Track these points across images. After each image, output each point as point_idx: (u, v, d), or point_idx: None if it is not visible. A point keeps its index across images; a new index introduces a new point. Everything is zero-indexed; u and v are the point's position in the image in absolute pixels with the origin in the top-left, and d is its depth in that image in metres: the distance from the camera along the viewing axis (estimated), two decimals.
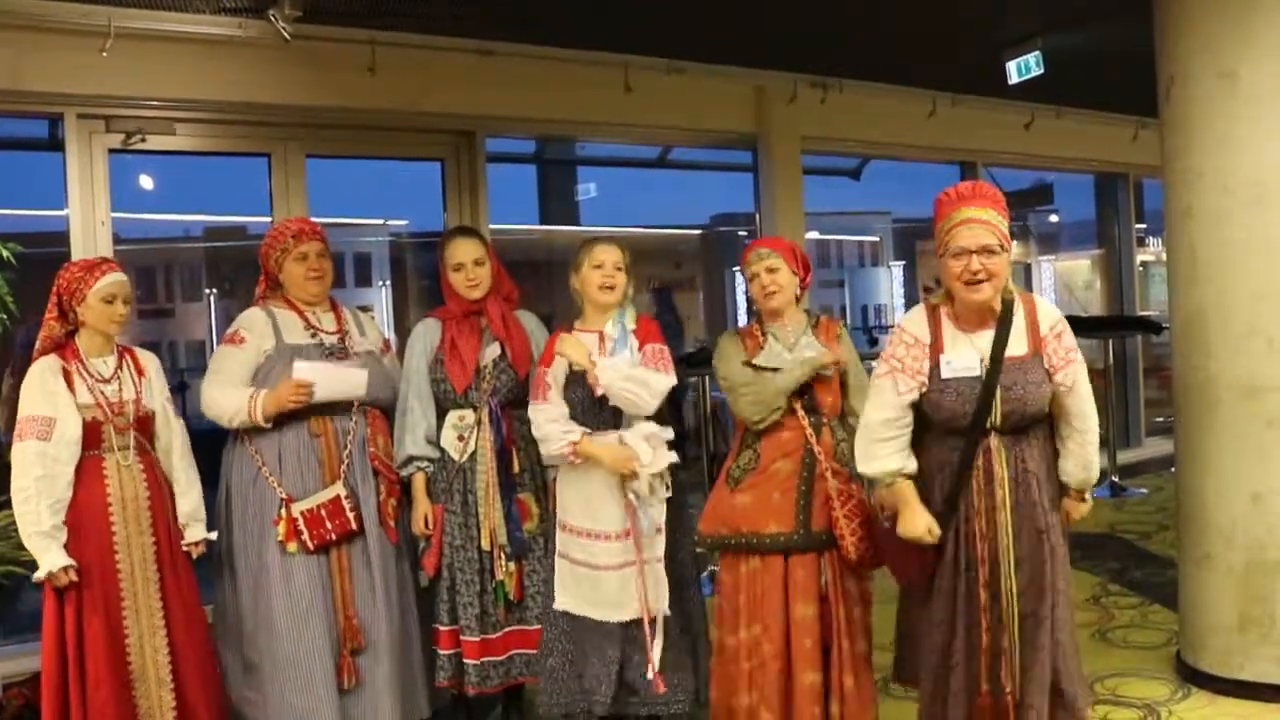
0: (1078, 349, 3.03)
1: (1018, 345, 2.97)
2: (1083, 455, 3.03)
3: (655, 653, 3.41)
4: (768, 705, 3.35)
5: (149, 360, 3.56)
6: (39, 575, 3.24)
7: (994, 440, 2.98)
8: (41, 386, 3.29)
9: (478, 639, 3.63)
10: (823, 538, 3.34)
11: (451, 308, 3.78)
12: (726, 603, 3.45)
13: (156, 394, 3.52)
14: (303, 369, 3.49)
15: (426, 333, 3.77)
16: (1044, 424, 3.05)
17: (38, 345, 3.41)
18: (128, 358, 3.50)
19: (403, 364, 3.79)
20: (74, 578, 3.22)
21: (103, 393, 3.36)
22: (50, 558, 3.21)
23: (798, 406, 3.40)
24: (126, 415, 3.38)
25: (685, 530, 3.65)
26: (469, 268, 3.74)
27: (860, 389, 3.39)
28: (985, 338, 2.98)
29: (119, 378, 3.42)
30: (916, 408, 3.06)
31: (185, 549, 3.51)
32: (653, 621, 3.42)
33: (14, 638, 4.82)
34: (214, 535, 3.56)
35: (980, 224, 2.91)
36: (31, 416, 3.26)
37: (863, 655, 3.38)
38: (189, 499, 3.53)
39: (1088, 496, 3.10)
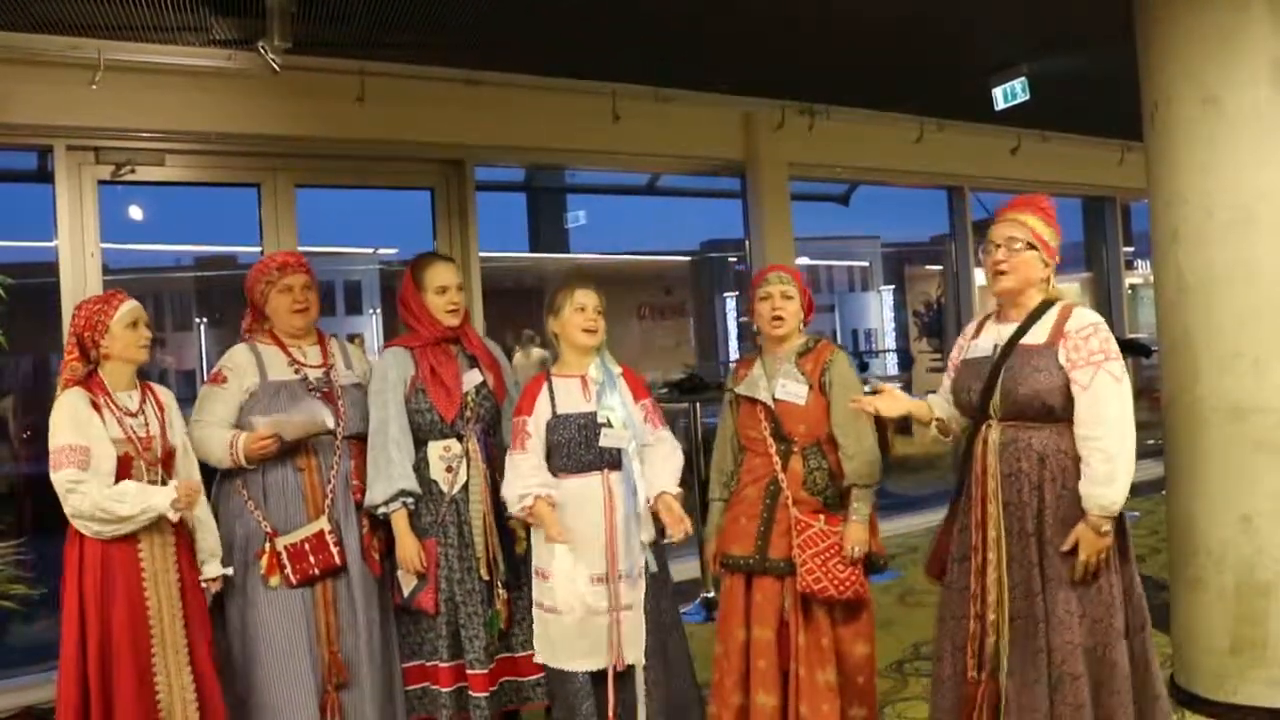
0: (1112, 360, 2.97)
1: (1038, 335, 3.05)
2: (1090, 467, 2.92)
3: (611, 703, 3.39)
4: None
5: (167, 396, 3.51)
6: (172, 514, 3.20)
7: (993, 431, 3.05)
8: (73, 416, 3.21)
9: (485, 671, 3.55)
10: (781, 564, 3.39)
11: (422, 334, 3.68)
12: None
13: (177, 429, 3.48)
14: (260, 423, 3.46)
15: (398, 363, 3.64)
16: (1056, 432, 3.01)
17: (60, 386, 3.35)
18: (149, 393, 3.46)
19: (370, 397, 3.65)
20: (193, 493, 3.24)
21: (131, 427, 3.31)
22: (160, 497, 3.17)
23: (767, 435, 3.43)
24: (154, 450, 3.33)
25: (667, 575, 3.60)
26: (453, 291, 3.69)
27: (844, 422, 3.40)
28: (1012, 328, 3.11)
29: (144, 412, 3.38)
30: None
31: (203, 584, 3.45)
32: (621, 672, 3.40)
33: (2, 672, 4.78)
34: (230, 571, 3.50)
35: (1009, 222, 3.11)
36: (68, 446, 3.16)
37: (825, 685, 3.36)
38: (208, 535, 3.48)
39: (1104, 529, 2.89)
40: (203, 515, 3.49)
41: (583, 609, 3.37)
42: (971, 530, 3.08)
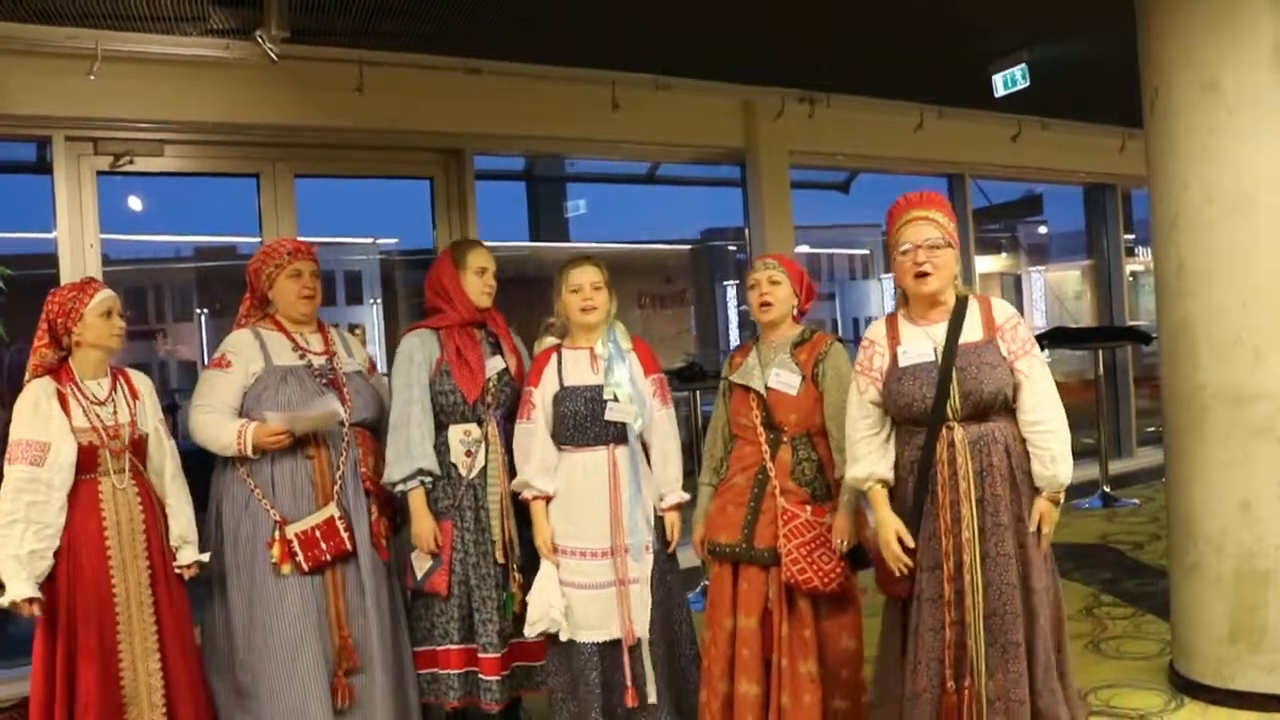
0: (1036, 345, 3.11)
1: (972, 332, 3.08)
2: (1042, 450, 3.02)
3: (629, 675, 3.45)
4: (711, 710, 3.46)
5: (142, 382, 3.53)
6: (2, 601, 3.17)
7: (958, 432, 3.04)
8: (35, 409, 3.25)
9: (498, 655, 3.58)
10: (766, 554, 3.39)
11: (451, 316, 3.71)
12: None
13: (150, 416, 3.50)
14: (273, 419, 3.45)
15: (424, 344, 3.67)
16: (1009, 421, 3.07)
17: (29, 373, 3.37)
18: (121, 379, 3.47)
19: (393, 377, 3.69)
20: (36, 612, 3.16)
21: (98, 415, 3.33)
22: (16, 585, 3.13)
23: (758, 423, 3.44)
24: (122, 438, 3.35)
25: (674, 553, 3.64)
26: (490, 274, 3.77)
27: (836, 414, 3.38)
28: (940, 329, 3.11)
29: (114, 400, 3.39)
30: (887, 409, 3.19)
31: (178, 571, 3.48)
32: (632, 646, 3.45)
33: (3, 662, 4.79)
34: (206, 557, 3.53)
35: (925, 221, 3.09)
36: (24, 440, 3.22)
37: (807, 676, 3.34)
38: (181, 521, 3.50)
39: (1059, 500, 3.05)
40: (174, 502, 3.51)
41: (545, 620, 3.43)
42: (941, 537, 3.05)
